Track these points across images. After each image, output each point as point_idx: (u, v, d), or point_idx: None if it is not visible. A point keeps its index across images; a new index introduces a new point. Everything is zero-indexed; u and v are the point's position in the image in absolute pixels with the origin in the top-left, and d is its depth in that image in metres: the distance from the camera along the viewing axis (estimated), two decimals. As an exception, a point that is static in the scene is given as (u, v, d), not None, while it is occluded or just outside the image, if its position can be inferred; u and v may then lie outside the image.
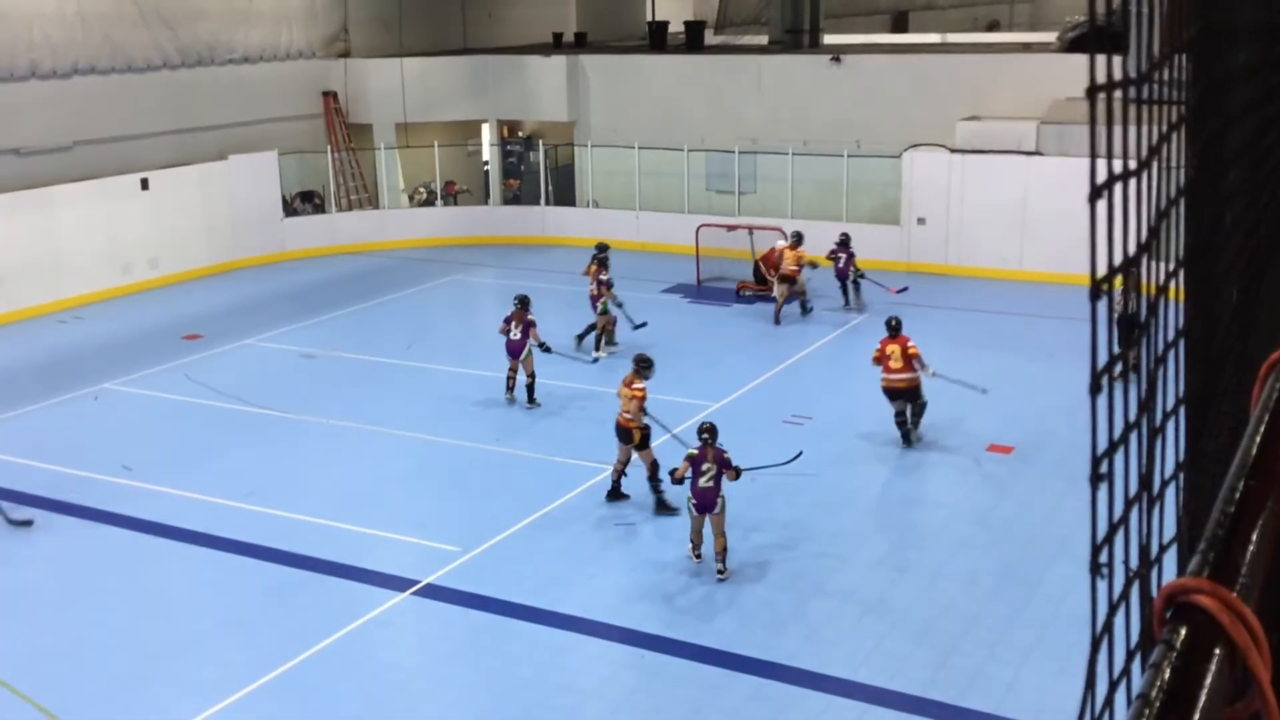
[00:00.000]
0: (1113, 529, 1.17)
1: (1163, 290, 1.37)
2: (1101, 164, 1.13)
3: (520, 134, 30.79)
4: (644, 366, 14.05)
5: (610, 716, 9.91)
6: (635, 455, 13.69)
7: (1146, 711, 1.06)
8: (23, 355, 20.63)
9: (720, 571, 11.99)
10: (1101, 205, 1.13)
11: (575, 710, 10.00)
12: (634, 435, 13.59)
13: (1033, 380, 17.74)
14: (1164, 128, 1.35)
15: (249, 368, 19.71)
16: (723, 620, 11.34)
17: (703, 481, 11.86)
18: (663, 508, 13.44)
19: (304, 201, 28.61)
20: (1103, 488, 1.16)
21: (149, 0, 25.19)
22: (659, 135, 27.46)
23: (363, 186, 29.45)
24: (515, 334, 17.01)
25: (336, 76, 29.42)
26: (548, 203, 29.07)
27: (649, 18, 33.47)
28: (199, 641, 11.27)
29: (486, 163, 31.27)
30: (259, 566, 12.71)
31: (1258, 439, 1.47)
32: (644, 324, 19.93)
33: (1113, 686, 1.14)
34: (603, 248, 20.75)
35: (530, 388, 17.25)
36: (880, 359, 15.24)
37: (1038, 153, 23.38)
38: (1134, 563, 1.23)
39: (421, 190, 29.66)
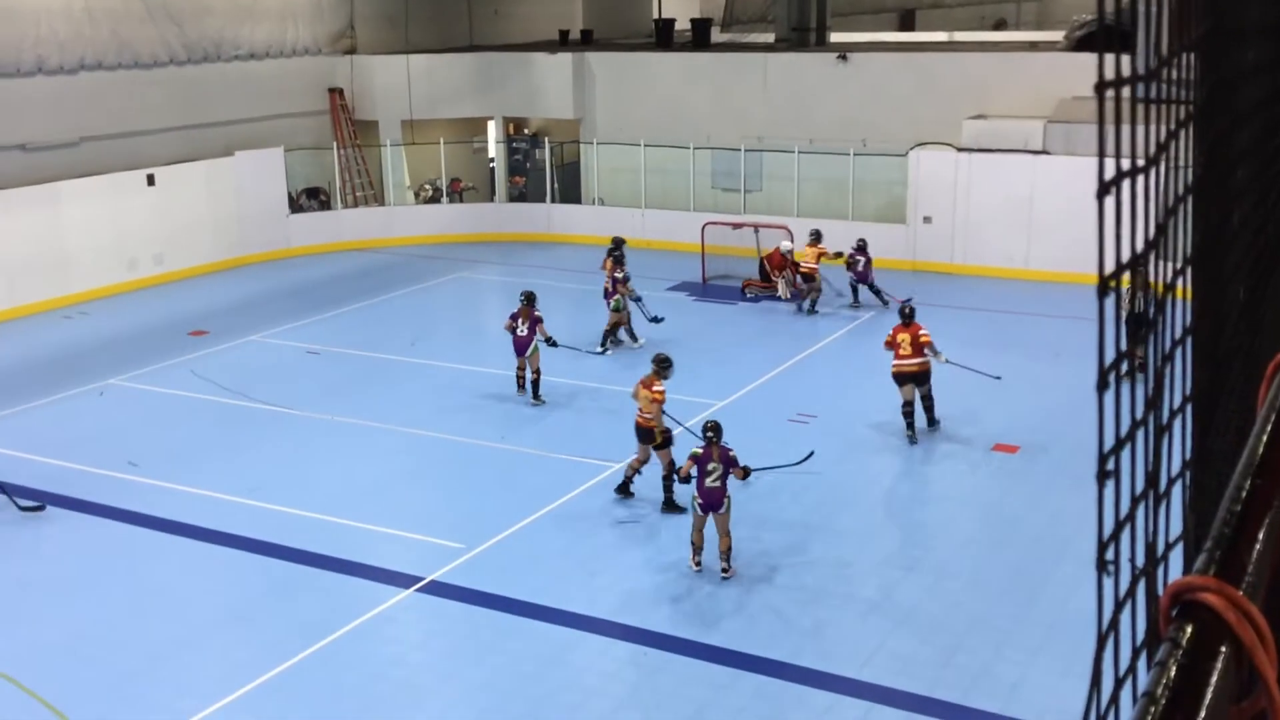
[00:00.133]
0: (1119, 527, 1.17)
1: (1170, 289, 1.37)
2: (1109, 162, 1.13)
3: (526, 131, 30.80)
4: (664, 367, 13.97)
5: (613, 714, 9.91)
6: (654, 455, 13.67)
7: (1152, 710, 1.06)
8: (29, 350, 20.67)
9: (725, 570, 11.98)
10: (1109, 203, 1.13)
11: (578, 708, 10.00)
12: (655, 435, 13.57)
13: (1039, 379, 17.72)
14: (1172, 126, 1.35)
15: (254, 364, 19.73)
16: (727, 618, 11.34)
17: (709, 481, 11.82)
18: (670, 507, 13.43)
19: (310, 198, 28.64)
20: (1109, 485, 1.16)
21: (156, -4, 25.24)
22: (665, 133, 27.45)
23: (368, 183, 29.48)
24: (522, 330, 17.03)
25: (342, 73, 29.45)
26: (553, 200, 29.07)
27: (655, 15, 33.43)
28: (203, 637, 11.29)
29: (492, 160, 31.28)
30: (263, 562, 12.73)
31: (1265, 438, 1.47)
32: (660, 319, 20.03)
33: (1118, 684, 1.14)
34: (618, 243, 20.76)
35: (535, 384, 17.27)
36: (891, 344, 15.44)
37: (1044, 151, 23.35)
38: (1140, 561, 1.23)
39: (427, 187, 29.67)
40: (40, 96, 23.34)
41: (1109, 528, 1.16)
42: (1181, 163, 1.42)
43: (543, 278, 23.75)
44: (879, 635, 10.98)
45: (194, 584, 12.35)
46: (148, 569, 12.73)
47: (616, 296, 19.48)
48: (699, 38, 30.66)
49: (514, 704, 10.04)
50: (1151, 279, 1.34)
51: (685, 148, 27.13)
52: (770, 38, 31.13)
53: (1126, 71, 1.15)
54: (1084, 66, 22.79)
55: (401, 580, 12.19)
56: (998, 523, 13.30)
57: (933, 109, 24.87)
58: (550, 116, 29.78)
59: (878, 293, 21.73)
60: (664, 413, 13.59)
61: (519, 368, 17.36)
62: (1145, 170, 1.21)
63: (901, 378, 15.48)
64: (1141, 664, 1.18)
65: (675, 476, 12.36)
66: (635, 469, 13.79)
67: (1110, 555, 1.14)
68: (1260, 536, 1.30)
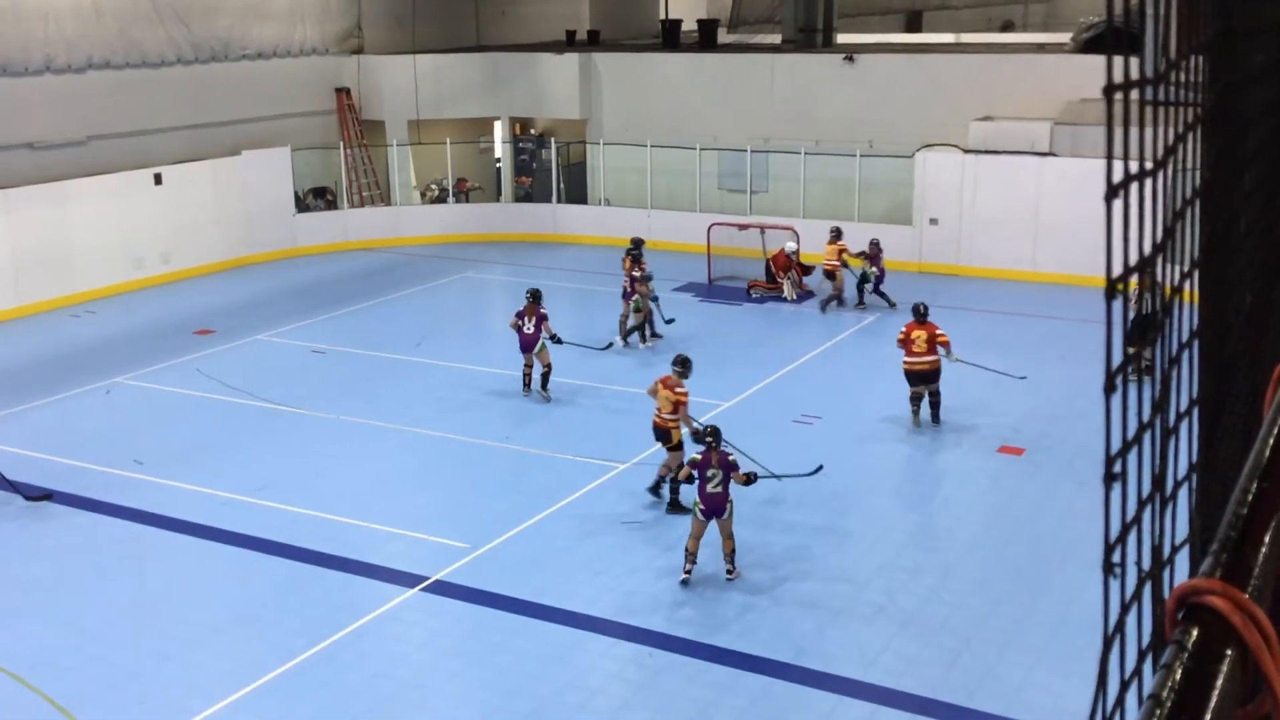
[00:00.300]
0: (1125, 529, 1.17)
1: (1177, 291, 1.37)
2: (1117, 164, 1.13)
3: (532, 131, 30.81)
4: (686, 368, 13.88)
5: (617, 714, 9.92)
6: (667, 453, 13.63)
7: (1158, 712, 1.06)
8: (36, 349, 20.72)
9: (730, 572, 11.96)
10: (1117, 205, 1.13)
11: (582, 707, 10.01)
12: (672, 436, 13.51)
13: (1045, 381, 17.69)
14: (1180, 128, 1.35)
15: (260, 363, 19.76)
16: (731, 619, 11.34)
17: (710, 487, 11.71)
18: (676, 508, 13.42)
19: (316, 197, 28.68)
20: (1115, 488, 1.16)
21: (164, -4, 25.30)
22: (671, 133, 27.46)
23: (375, 183, 29.51)
24: (529, 328, 17.07)
25: (350, 73, 29.48)
26: (559, 200, 29.09)
27: (662, 16, 33.46)
28: (209, 636, 11.30)
29: (498, 160, 31.31)
30: (269, 561, 12.75)
31: (1270, 441, 1.47)
32: (672, 320, 20.08)
33: (1124, 687, 1.14)
34: (637, 243, 20.78)
35: (545, 378, 17.36)
36: (904, 342, 15.58)
37: (1051, 153, 23.33)
38: (1146, 563, 1.23)
39: (433, 187, 29.69)
40: (48, 95, 23.39)
41: (1115, 530, 1.16)
42: (1189, 165, 1.42)
43: (549, 278, 23.74)
44: (883, 637, 10.97)
45: (199, 583, 12.37)
46: (153, 568, 12.75)
47: (635, 296, 19.55)
48: (706, 38, 30.66)
49: (518, 703, 10.04)
50: (1159, 281, 1.34)
51: (691, 148, 27.14)
52: (777, 38, 31.12)
53: (1135, 74, 1.15)
54: (1091, 68, 22.78)
55: (406, 580, 12.20)
56: (1002, 525, 13.29)
57: (939, 110, 24.85)
58: (557, 117, 29.79)
59: (884, 295, 21.73)
60: (690, 416, 13.54)
61: (525, 365, 17.40)
62: (1153, 173, 1.21)
63: (913, 376, 15.68)
64: (1147, 666, 1.18)
65: (678, 476, 12.29)
66: (669, 469, 13.57)
67: (1117, 558, 1.14)
68: (1266, 540, 1.30)
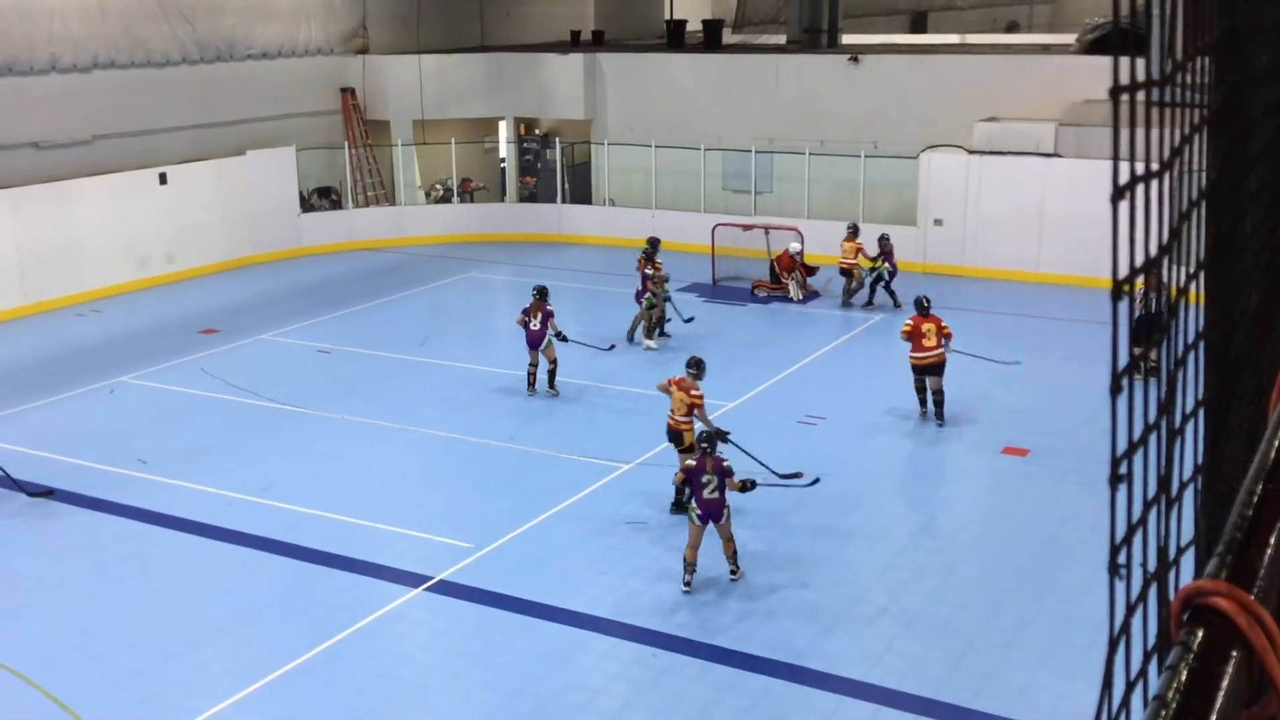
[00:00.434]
0: (1131, 530, 1.17)
1: (1183, 292, 1.36)
2: (1123, 165, 1.13)
3: (537, 131, 30.83)
4: (700, 369, 13.76)
5: (620, 714, 9.92)
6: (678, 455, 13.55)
7: (1163, 713, 1.06)
8: (41, 348, 20.75)
9: (734, 573, 11.92)
10: (1122, 206, 1.13)
11: (585, 707, 10.01)
12: (685, 438, 13.45)
13: (1049, 382, 17.69)
14: (1186, 130, 1.35)
15: (265, 362, 19.78)
16: (734, 619, 11.33)
17: (706, 493, 11.61)
18: (681, 508, 13.35)
19: (321, 197, 28.70)
20: (1121, 489, 1.16)
21: (169, -5, 25.33)
22: (676, 134, 27.46)
23: (380, 183, 29.53)
24: (535, 324, 17.12)
25: (354, 73, 29.51)
26: (564, 200, 29.09)
27: (667, 16, 33.47)
28: (212, 635, 11.31)
29: (503, 160, 31.32)
30: (272, 561, 12.76)
31: (1276, 442, 1.47)
32: (691, 318, 20.27)
33: (1129, 688, 1.14)
34: (653, 242, 20.77)
35: (551, 374, 17.45)
36: (911, 335, 15.78)
37: (1056, 154, 23.31)
38: (1152, 564, 1.23)
39: (438, 187, 29.71)
40: (53, 94, 23.43)
41: (1121, 531, 1.16)
42: (1195, 166, 1.42)
43: (553, 278, 23.70)
44: (886, 637, 10.96)
45: (203, 582, 12.38)
46: (157, 567, 12.77)
47: (648, 295, 19.59)
48: (710, 39, 30.66)
49: (521, 703, 10.05)
50: (1164, 282, 1.34)
51: (696, 149, 27.14)
52: (782, 39, 31.12)
53: (1141, 75, 1.15)
54: (1096, 69, 22.77)
55: (410, 579, 12.21)
56: (1006, 525, 13.28)
57: (944, 111, 24.84)
58: (561, 117, 29.80)
59: (892, 293, 21.73)
60: (707, 418, 13.48)
61: (531, 364, 17.43)
62: (1159, 174, 1.21)
63: (920, 369, 15.91)
64: (1153, 668, 1.18)
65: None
66: (740, 482, 13.41)
67: (1122, 559, 1.14)
68: (1272, 541, 1.30)
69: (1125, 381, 1.15)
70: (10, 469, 14.50)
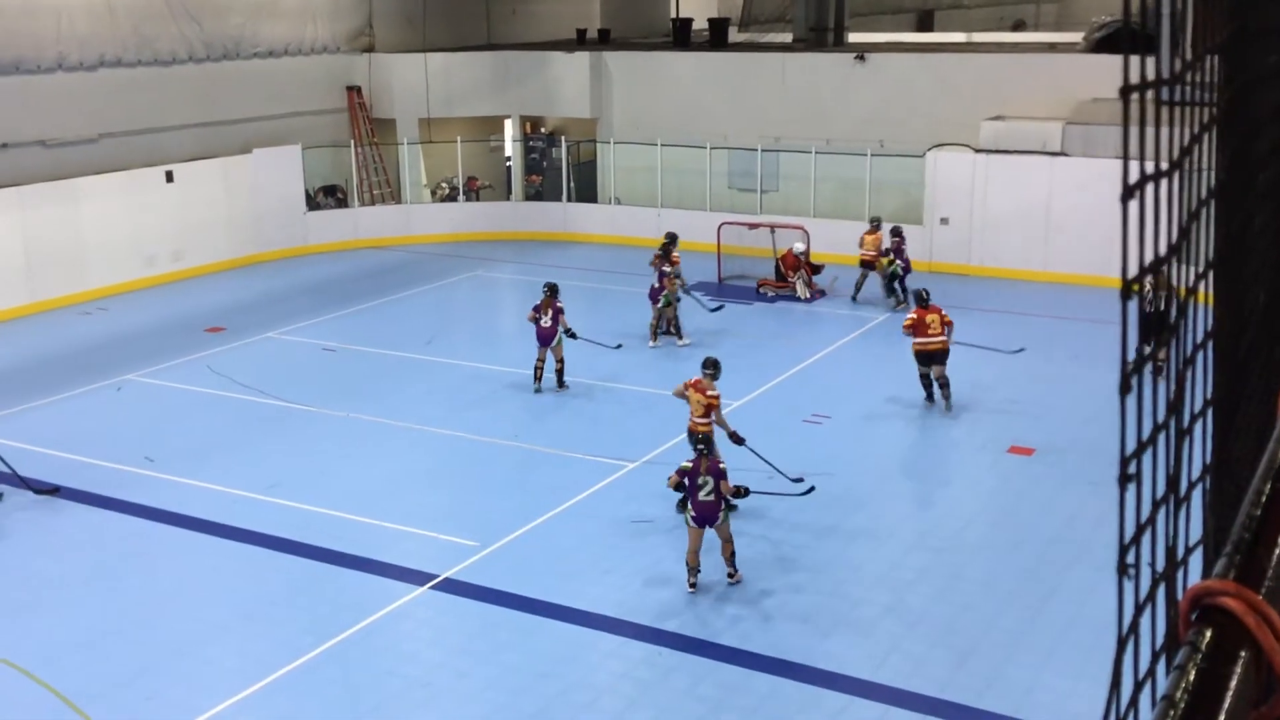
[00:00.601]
0: (1139, 530, 1.16)
1: (1192, 292, 1.36)
2: (1133, 165, 1.13)
3: (543, 130, 30.83)
4: (716, 369, 13.62)
5: (625, 713, 9.92)
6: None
7: (1171, 713, 1.06)
8: (47, 346, 20.79)
9: (731, 575, 11.81)
10: (1132, 205, 1.13)
11: (590, 706, 10.01)
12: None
13: (1055, 382, 17.67)
14: (1195, 129, 1.35)
15: (271, 361, 19.81)
16: (740, 619, 11.33)
17: (702, 495, 11.50)
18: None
19: (327, 196, 28.73)
20: (1129, 488, 1.16)
21: (176, -6, 25.37)
22: (681, 132, 27.44)
23: (385, 181, 29.55)
24: (546, 321, 17.17)
25: (360, 71, 29.53)
26: (569, 199, 29.10)
27: (673, 14, 33.43)
28: (218, 633, 11.33)
29: (509, 159, 31.32)
30: (278, 559, 12.78)
31: (1285, 442, 1.46)
32: (720, 307, 20.45)
33: (1138, 688, 1.14)
34: (672, 238, 20.79)
35: (560, 373, 17.52)
36: (915, 326, 16.09)
37: (1063, 153, 23.27)
38: (1160, 564, 1.23)
39: (444, 185, 29.72)
40: (60, 93, 23.46)
41: (1130, 531, 1.16)
42: (1204, 166, 1.42)
43: (559, 276, 23.67)
44: (892, 637, 10.96)
45: (209, 580, 12.40)
46: (163, 565, 12.79)
47: (665, 291, 19.63)
48: (716, 37, 30.65)
49: (526, 701, 10.05)
50: (1173, 281, 1.34)
51: (702, 147, 27.12)
52: (788, 38, 31.08)
53: (1151, 74, 1.15)
54: (1103, 68, 22.71)
55: (415, 578, 12.22)
56: (1012, 525, 13.26)
57: (951, 110, 24.81)
58: (567, 115, 29.80)
59: (904, 289, 21.75)
60: (724, 419, 13.42)
61: (539, 359, 17.48)
62: (1169, 174, 1.21)
63: (925, 356, 16.19)
64: (1161, 668, 1.18)
65: (668, 483, 11.92)
66: (734, 487, 13.34)
67: (1131, 559, 1.14)
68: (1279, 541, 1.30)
69: (1134, 381, 1.15)
70: (17, 467, 14.52)
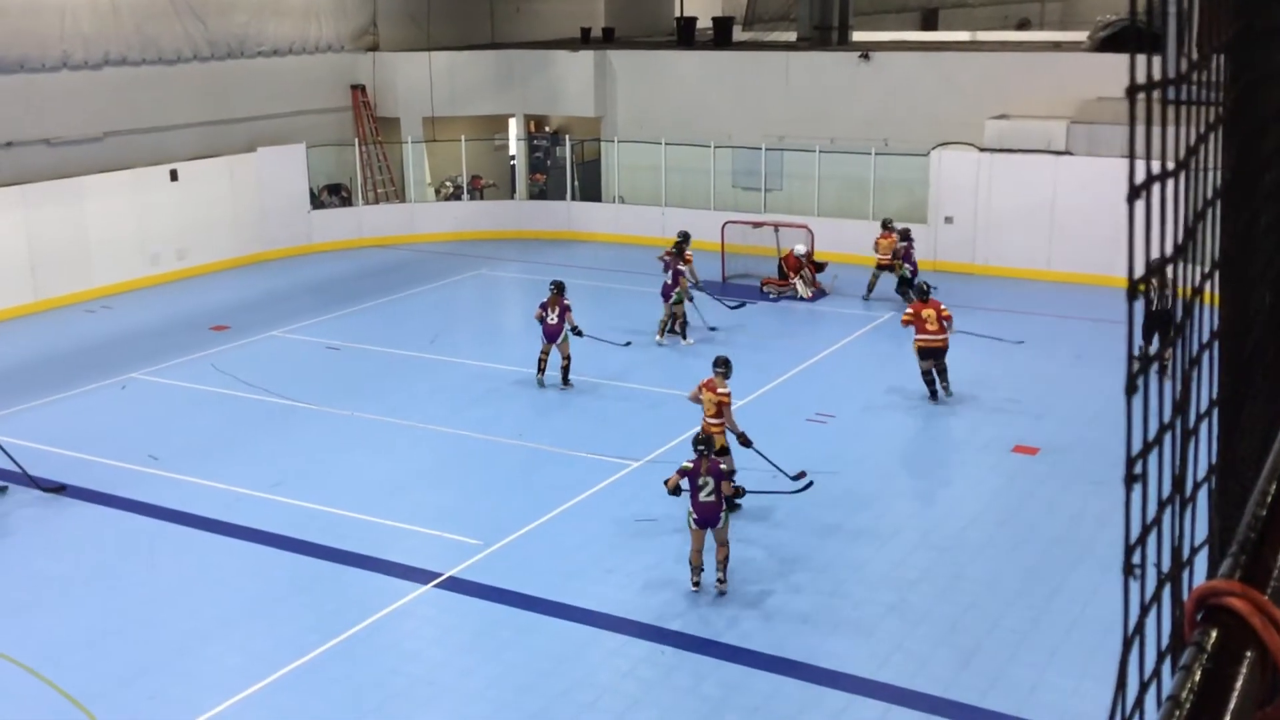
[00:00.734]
0: (1145, 530, 1.16)
1: (1198, 292, 1.36)
2: (1139, 164, 1.13)
3: (547, 129, 30.82)
4: (728, 368, 13.53)
5: (628, 712, 9.92)
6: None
7: (1177, 713, 1.06)
8: (52, 344, 20.81)
9: (720, 583, 11.67)
10: (1139, 205, 1.12)
11: (593, 705, 10.02)
12: (716, 441, 13.11)
13: (1059, 381, 17.66)
14: (1201, 129, 1.34)
15: (275, 359, 19.82)
16: (743, 618, 11.33)
17: (703, 496, 11.44)
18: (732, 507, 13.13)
19: (331, 194, 28.74)
20: (1135, 488, 1.16)
21: (180, -8, 25.39)
22: (686, 131, 27.44)
23: (390, 180, 29.56)
24: (552, 318, 17.22)
25: (365, 70, 29.54)
26: (573, 198, 29.10)
27: (677, 13, 33.43)
28: (222, 630, 11.34)
29: (513, 157, 31.33)
30: (282, 557, 12.79)
31: (1291, 442, 1.46)
32: (741, 304, 20.67)
33: (1143, 688, 1.14)
34: (685, 236, 20.80)
35: (565, 370, 17.58)
36: (913, 321, 16.43)
37: (1067, 152, 23.24)
38: (1166, 564, 1.23)
39: (448, 184, 29.73)
40: (65, 91, 23.49)
41: (1135, 531, 1.15)
42: (1210, 165, 1.41)
43: (563, 275, 23.70)
44: (896, 636, 10.95)
45: (213, 578, 12.41)
46: (167, 562, 12.81)
47: (677, 290, 19.66)
48: (721, 36, 30.63)
49: (529, 700, 10.06)
50: (1177, 280, 1.34)
51: (706, 146, 27.11)
52: (792, 36, 31.06)
53: (1157, 74, 1.15)
54: (1108, 67, 22.70)
55: (419, 576, 12.22)
56: (1016, 524, 13.25)
57: (955, 109, 24.79)
58: (571, 114, 29.80)
59: (906, 293, 21.75)
60: (735, 421, 13.36)
61: (543, 352, 17.54)
62: (1175, 173, 1.21)
63: (926, 352, 16.49)
64: (1166, 668, 1.17)
65: (666, 486, 11.79)
66: (735, 487, 13.14)
67: (1136, 559, 1.14)
68: (1286, 541, 1.29)
69: (1140, 381, 1.15)
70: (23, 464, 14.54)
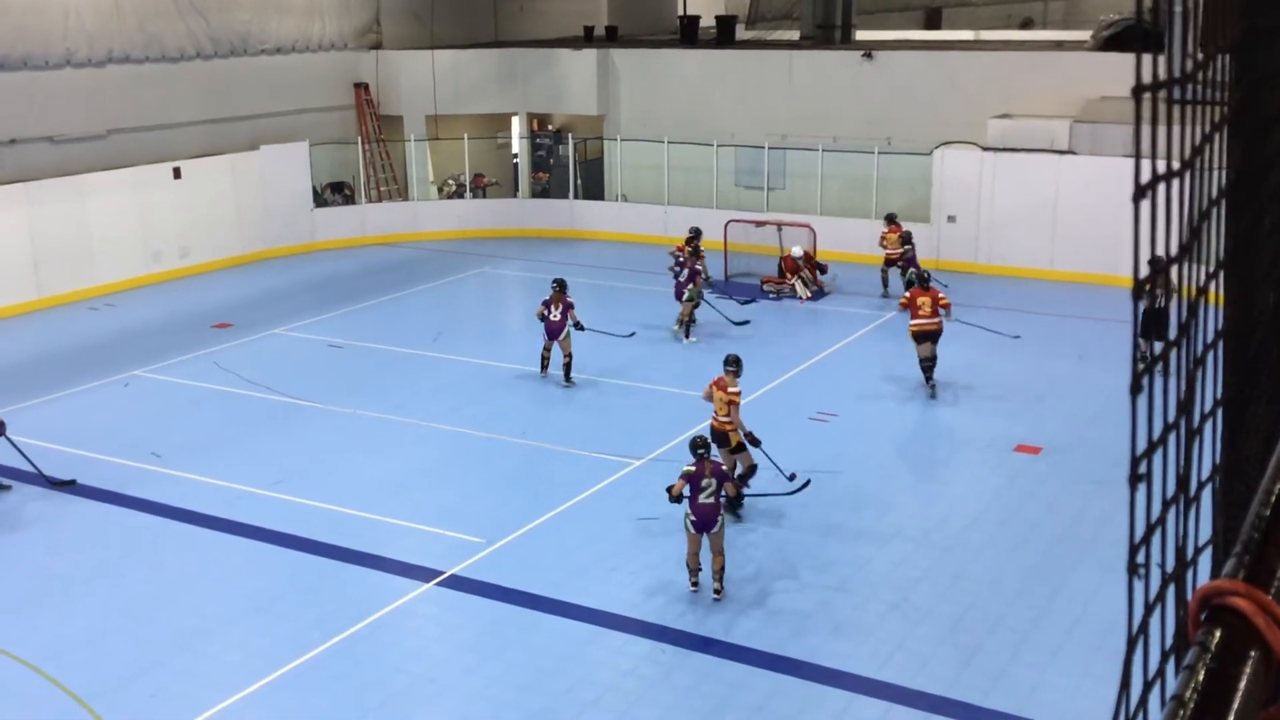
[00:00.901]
0: (1149, 530, 1.16)
1: (1202, 292, 1.36)
2: (1144, 164, 1.12)
3: (550, 127, 30.82)
4: (738, 367, 13.46)
5: (630, 710, 9.93)
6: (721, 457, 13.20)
7: (1181, 713, 1.06)
8: (54, 341, 20.83)
9: (717, 591, 11.59)
10: (1144, 205, 1.12)
11: (595, 703, 10.02)
12: (730, 439, 13.17)
13: (1062, 381, 17.65)
14: (1206, 128, 1.34)
15: (277, 357, 19.83)
16: (744, 617, 11.33)
17: (703, 498, 11.32)
18: (731, 508, 13.03)
19: (334, 192, 28.74)
20: (1139, 488, 1.16)
21: (183, -10, 25.40)
22: (688, 130, 27.43)
23: (392, 178, 29.56)
24: (555, 315, 17.27)
25: (368, 68, 29.55)
26: (576, 196, 29.10)
27: (680, 12, 33.43)
28: (224, 628, 11.35)
29: (516, 156, 31.33)
30: (285, 555, 12.80)
31: (1295, 442, 1.46)
32: (746, 322, 20.71)
33: (1147, 688, 1.14)
34: (697, 232, 20.87)
35: (567, 367, 17.62)
36: (909, 306, 16.94)
37: (1070, 151, 23.23)
38: (1170, 564, 1.23)
39: (450, 182, 29.74)
40: (68, 89, 23.50)
41: (1140, 531, 1.15)
42: (1214, 165, 1.41)
43: (566, 273, 23.71)
44: (897, 635, 10.95)
45: (215, 575, 12.42)
46: (170, 560, 12.82)
47: (691, 287, 19.70)
48: (724, 35, 30.62)
49: (531, 698, 10.06)
50: (1179, 279, 1.34)
51: (709, 145, 27.10)
52: (795, 35, 31.06)
53: (1163, 74, 1.15)
54: (1111, 66, 22.68)
55: (421, 574, 12.23)
56: (1018, 524, 13.25)
57: (958, 108, 24.77)
58: (574, 113, 29.80)
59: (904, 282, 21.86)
60: (742, 421, 13.33)
61: (545, 348, 17.61)
62: (1180, 173, 1.20)
63: (921, 336, 16.94)
64: (1170, 668, 1.17)
65: (669, 494, 11.61)
66: (736, 484, 13.07)
67: (1140, 558, 1.14)
68: (1290, 541, 1.29)
69: (1145, 381, 1.15)
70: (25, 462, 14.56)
